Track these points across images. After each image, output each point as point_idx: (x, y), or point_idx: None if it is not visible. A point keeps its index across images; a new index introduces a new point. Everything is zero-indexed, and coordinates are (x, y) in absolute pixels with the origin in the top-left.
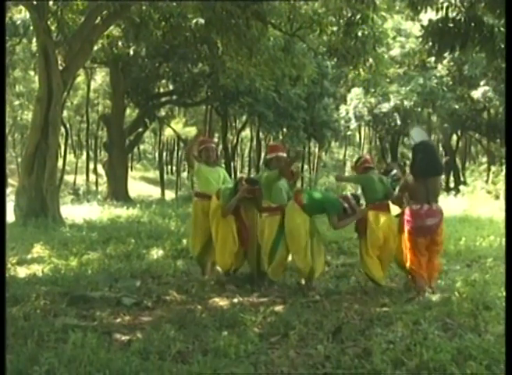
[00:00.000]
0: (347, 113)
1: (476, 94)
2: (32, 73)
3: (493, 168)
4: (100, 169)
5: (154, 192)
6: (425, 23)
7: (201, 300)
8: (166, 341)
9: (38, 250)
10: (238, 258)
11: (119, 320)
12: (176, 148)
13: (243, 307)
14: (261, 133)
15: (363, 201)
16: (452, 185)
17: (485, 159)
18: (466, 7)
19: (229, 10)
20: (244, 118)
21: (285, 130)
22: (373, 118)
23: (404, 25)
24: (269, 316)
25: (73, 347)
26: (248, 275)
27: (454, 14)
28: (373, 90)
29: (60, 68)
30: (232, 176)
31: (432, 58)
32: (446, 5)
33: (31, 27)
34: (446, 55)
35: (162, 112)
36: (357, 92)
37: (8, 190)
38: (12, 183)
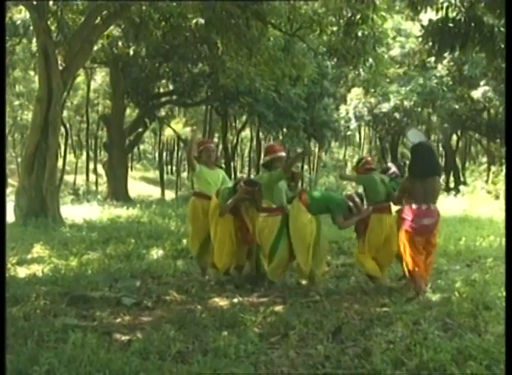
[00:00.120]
0: (347, 113)
1: (476, 94)
2: (32, 73)
3: (493, 168)
4: (100, 169)
5: (154, 192)
6: (425, 23)
7: (201, 300)
8: (166, 341)
9: (38, 250)
10: (240, 256)
11: (119, 320)
12: (175, 148)
13: (243, 307)
14: (261, 134)
15: (365, 202)
16: (452, 185)
17: (485, 159)
18: (466, 7)
19: (229, 10)
20: (244, 118)
21: (285, 130)
22: (373, 118)
23: (404, 25)
24: (269, 316)
25: (73, 347)
26: (248, 275)
27: (454, 14)
28: (373, 90)
29: (60, 68)
30: (232, 176)
31: (432, 58)
32: (446, 5)
33: (31, 27)
34: (446, 55)
35: (162, 112)
36: (357, 92)
37: (8, 190)
38: (12, 183)
